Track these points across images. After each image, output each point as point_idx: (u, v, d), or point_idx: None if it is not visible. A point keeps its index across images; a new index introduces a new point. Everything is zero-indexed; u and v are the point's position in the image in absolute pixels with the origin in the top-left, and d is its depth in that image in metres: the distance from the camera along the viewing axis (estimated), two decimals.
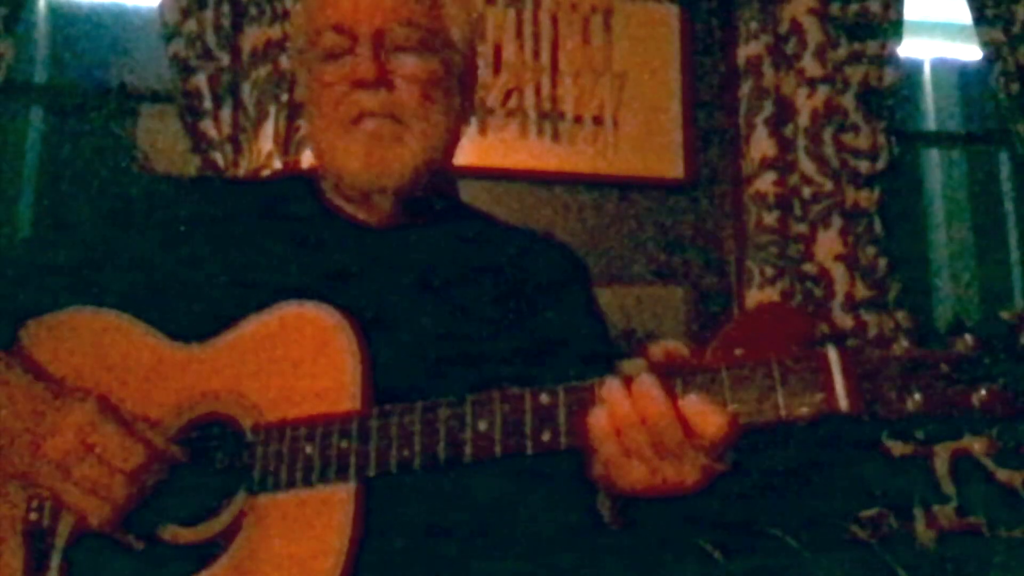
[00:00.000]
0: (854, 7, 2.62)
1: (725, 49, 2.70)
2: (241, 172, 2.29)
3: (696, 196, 2.65)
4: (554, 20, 2.62)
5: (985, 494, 2.14)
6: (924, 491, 2.17)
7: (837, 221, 2.54)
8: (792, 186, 2.58)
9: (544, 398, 0.92)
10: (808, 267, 2.53)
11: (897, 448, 2.23)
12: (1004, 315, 0.80)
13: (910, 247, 2.81)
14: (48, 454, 0.99)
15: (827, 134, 2.56)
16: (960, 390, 0.81)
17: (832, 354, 0.85)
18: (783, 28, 2.62)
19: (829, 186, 2.55)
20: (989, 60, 2.69)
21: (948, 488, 2.17)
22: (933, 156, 3.10)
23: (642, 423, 0.87)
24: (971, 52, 2.88)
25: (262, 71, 2.33)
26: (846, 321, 2.48)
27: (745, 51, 2.64)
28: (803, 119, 2.58)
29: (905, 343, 0.83)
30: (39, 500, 1.05)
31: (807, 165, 2.56)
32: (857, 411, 0.83)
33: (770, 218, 2.55)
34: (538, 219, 2.49)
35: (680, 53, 2.67)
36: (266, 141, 2.32)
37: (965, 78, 3.09)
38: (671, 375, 0.89)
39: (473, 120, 2.50)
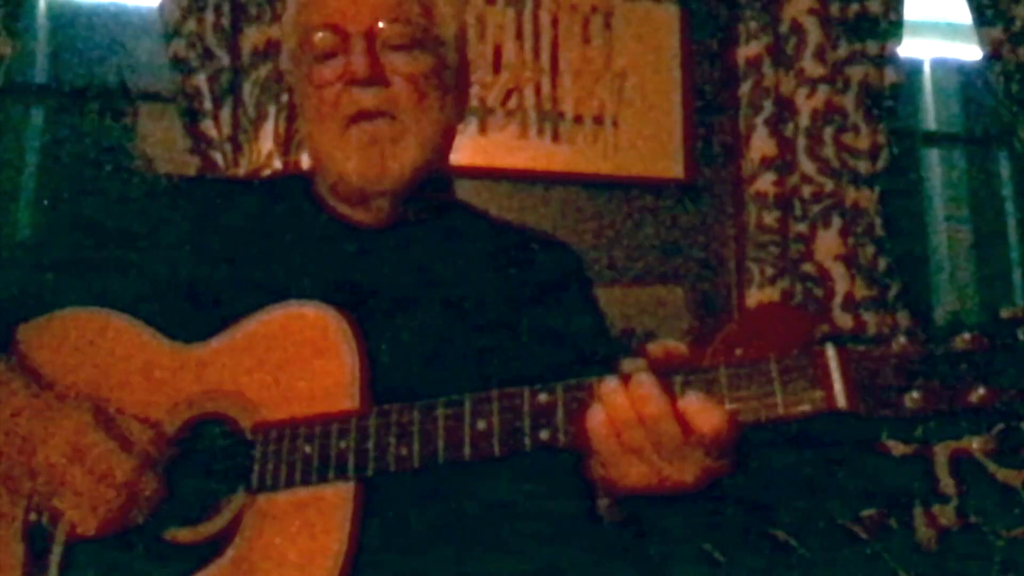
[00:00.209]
0: (854, 7, 2.62)
1: (725, 49, 2.70)
2: (241, 172, 2.29)
3: (696, 196, 2.65)
4: (554, 20, 2.62)
5: (985, 494, 2.14)
6: (924, 491, 2.17)
7: (837, 221, 2.53)
8: (792, 186, 2.58)
9: (543, 397, 0.92)
10: (808, 267, 2.53)
11: (897, 448, 2.22)
12: (1003, 313, 0.80)
13: (910, 247, 2.81)
14: (40, 462, 0.99)
15: (827, 134, 2.56)
16: (959, 388, 0.81)
17: (830, 352, 0.85)
18: (783, 28, 2.62)
19: (829, 186, 2.55)
20: (989, 60, 2.68)
21: (948, 488, 2.17)
22: (933, 156, 3.09)
23: (640, 421, 0.87)
24: (971, 52, 2.88)
25: (262, 71, 2.33)
26: (846, 321, 2.48)
27: (745, 51, 2.63)
28: (803, 119, 2.58)
29: (903, 341, 0.83)
30: (37, 503, 1.05)
31: (807, 165, 2.56)
32: (855, 409, 0.83)
33: (770, 218, 2.55)
34: (538, 219, 2.48)
35: (680, 53, 2.67)
36: (266, 141, 2.32)
37: (965, 78, 3.09)
38: (670, 374, 0.89)
39: (473, 120, 2.50)
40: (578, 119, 2.59)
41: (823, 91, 2.57)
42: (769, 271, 2.53)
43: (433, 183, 1.17)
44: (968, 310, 2.94)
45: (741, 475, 0.92)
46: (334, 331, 1.01)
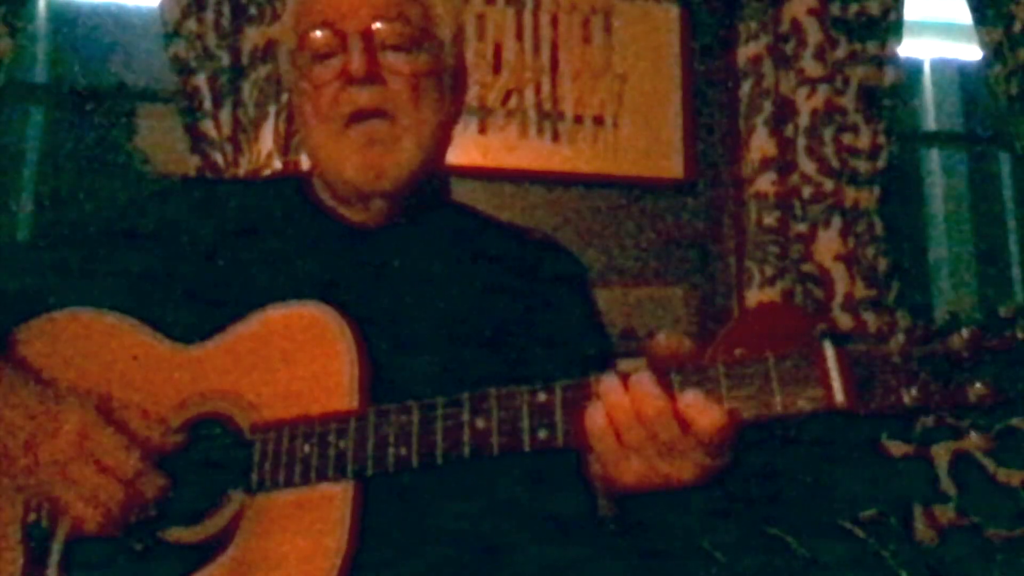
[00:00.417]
0: (854, 7, 2.62)
1: (725, 49, 2.70)
2: (241, 172, 2.29)
3: (696, 196, 2.65)
4: (554, 20, 2.62)
5: (985, 494, 2.14)
6: (924, 491, 2.17)
7: (837, 221, 2.53)
8: (792, 186, 2.58)
9: (541, 396, 0.92)
10: (808, 267, 2.53)
11: (897, 448, 2.22)
12: (1001, 311, 0.81)
13: (910, 247, 2.81)
14: (45, 458, 0.99)
15: (827, 134, 2.56)
16: (957, 385, 0.81)
17: (828, 350, 0.85)
18: (783, 28, 2.62)
19: (829, 186, 2.55)
20: (989, 60, 2.68)
21: (948, 488, 2.17)
22: (933, 156, 3.09)
23: (640, 420, 0.87)
24: (971, 52, 2.88)
25: (262, 71, 2.33)
26: (846, 321, 2.48)
27: (745, 51, 2.63)
28: (803, 119, 2.58)
29: (902, 338, 0.83)
30: (38, 500, 1.05)
31: (807, 165, 2.56)
32: (854, 406, 0.83)
33: (770, 218, 2.55)
34: (538, 219, 2.48)
35: (680, 53, 2.67)
36: (266, 141, 2.32)
37: (965, 78, 3.09)
38: (668, 372, 0.89)
39: (473, 120, 2.50)
40: (578, 119, 2.59)
41: (823, 91, 2.57)
42: (769, 271, 2.52)
43: (430, 183, 1.17)
44: (968, 310, 2.93)
45: (737, 472, 0.92)
46: (333, 331, 1.01)
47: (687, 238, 2.63)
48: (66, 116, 2.56)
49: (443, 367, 1.05)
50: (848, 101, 2.59)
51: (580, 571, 1.05)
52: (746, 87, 2.62)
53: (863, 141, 2.57)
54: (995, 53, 2.66)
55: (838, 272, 2.51)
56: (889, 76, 2.61)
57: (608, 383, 0.89)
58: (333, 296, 1.03)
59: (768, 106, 2.59)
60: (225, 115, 2.31)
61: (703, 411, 0.86)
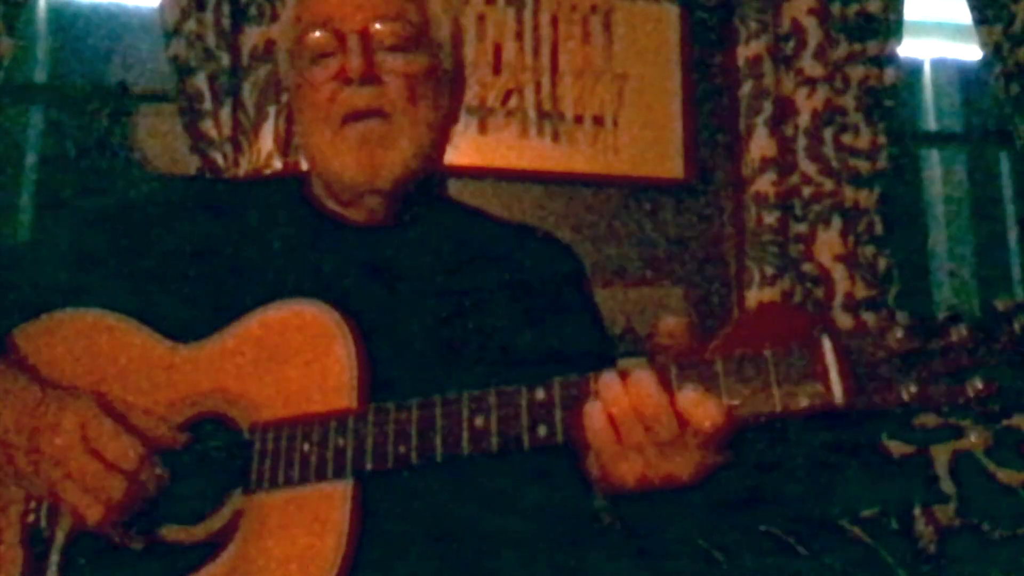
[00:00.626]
0: (854, 7, 2.62)
1: (725, 49, 2.70)
2: (241, 172, 2.29)
3: (696, 196, 2.65)
4: (554, 20, 2.62)
5: (985, 494, 2.14)
6: (924, 491, 2.17)
7: (837, 221, 2.54)
8: (792, 186, 2.58)
9: (540, 393, 0.92)
10: (808, 267, 2.53)
11: (897, 448, 2.22)
12: (999, 305, 0.80)
13: (910, 247, 2.81)
14: (46, 451, 0.99)
15: (827, 134, 2.56)
16: (955, 380, 0.81)
17: (826, 345, 0.85)
18: (783, 28, 2.62)
19: (829, 186, 2.55)
20: (989, 60, 2.68)
21: (948, 488, 2.17)
22: (933, 156, 3.10)
23: (638, 417, 0.87)
24: (971, 52, 2.88)
25: (262, 71, 2.33)
26: (846, 321, 2.48)
27: (745, 51, 2.64)
28: (803, 119, 2.58)
29: (900, 333, 0.83)
30: (37, 501, 1.05)
31: (807, 165, 2.56)
32: (852, 401, 0.83)
33: (770, 218, 2.55)
34: (538, 219, 2.48)
35: (680, 53, 2.67)
36: (266, 141, 2.32)
37: (965, 78, 3.09)
38: (667, 368, 0.89)
39: (473, 120, 2.50)
40: (578, 119, 2.59)
41: (823, 91, 2.57)
42: (769, 271, 2.53)
43: (427, 182, 1.17)
44: (968, 310, 2.93)
45: (734, 468, 0.92)
46: (331, 330, 1.01)
47: (687, 238, 2.63)
48: (66, 116, 2.57)
49: (442, 365, 1.05)
50: (848, 101, 2.59)
51: (580, 571, 1.05)
52: (746, 87, 2.62)
53: (863, 141, 2.57)
54: (995, 53, 2.66)
55: (838, 272, 2.51)
56: (889, 76, 2.61)
57: (607, 380, 0.89)
58: (332, 295, 1.03)
59: (768, 106, 2.59)
60: (225, 115, 2.31)
61: (702, 408, 0.86)
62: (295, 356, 1.01)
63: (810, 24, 2.59)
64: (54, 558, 1.03)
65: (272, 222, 1.18)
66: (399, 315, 1.09)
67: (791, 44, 2.61)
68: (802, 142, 2.57)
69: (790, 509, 2.04)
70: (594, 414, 0.89)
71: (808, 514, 2.06)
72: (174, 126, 2.35)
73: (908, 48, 2.74)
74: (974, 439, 2.11)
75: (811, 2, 2.60)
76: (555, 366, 0.95)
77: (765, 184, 2.57)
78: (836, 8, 2.62)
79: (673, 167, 2.63)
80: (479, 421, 0.93)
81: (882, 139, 2.58)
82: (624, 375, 0.89)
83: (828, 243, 2.53)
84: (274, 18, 2.32)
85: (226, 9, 2.35)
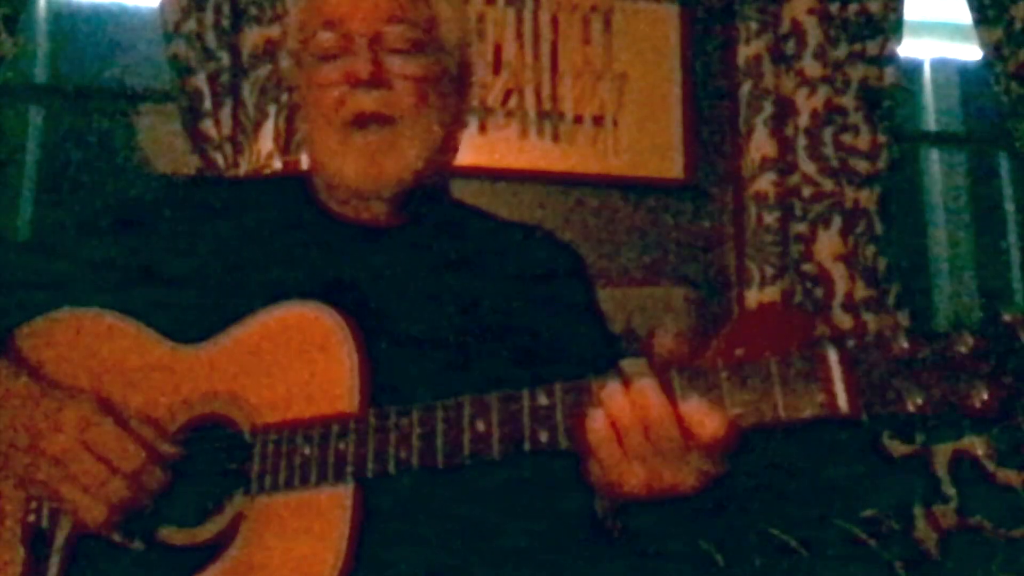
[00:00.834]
0: (854, 7, 2.62)
1: (725, 49, 2.70)
2: (241, 172, 2.29)
3: (696, 196, 2.65)
4: (554, 20, 2.61)
5: (985, 494, 2.14)
6: (924, 491, 2.17)
7: (837, 221, 2.53)
8: (792, 186, 2.57)
9: (542, 399, 0.92)
10: (808, 267, 2.53)
11: (897, 448, 2.23)
12: (1006, 316, 0.80)
13: (910, 247, 2.81)
14: (46, 451, 0.99)
15: (827, 134, 2.56)
16: (961, 390, 0.81)
17: (831, 355, 0.85)
18: (783, 28, 2.62)
19: (829, 186, 2.54)
20: (989, 60, 2.68)
21: (948, 488, 2.17)
22: (933, 156, 3.09)
23: (641, 426, 0.87)
24: (971, 52, 2.88)
25: (262, 71, 2.33)
26: (846, 321, 2.47)
27: (745, 51, 2.63)
28: (803, 119, 2.57)
29: (906, 343, 0.83)
30: (38, 501, 1.05)
31: (807, 165, 2.56)
32: (857, 411, 0.83)
33: (770, 218, 2.55)
34: (538, 219, 2.48)
35: (680, 53, 2.67)
36: (266, 141, 2.32)
37: (965, 78, 3.09)
38: (670, 375, 0.89)
39: (473, 120, 2.49)
40: (578, 119, 2.58)
41: (823, 91, 2.56)
42: (769, 271, 2.52)
43: (431, 183, 1.17)
44: (968, 310, 2.93)
45: (735, 475, 0.92)
46: (333, 332, 1.01)
47: (687, 238, 2.63)
48: (66, 116, 2.56)
49: (444, 367, 1.05)
50: (848, 101, 2.58)
51: (581, 573, 1.05)
52: (746, 87, 2.62)
53: (863, 141, 2.57)
54: (995, 53, 2.66)
55: (838, 272, 2.51)
56: (889, 76, 2.60)
57: (611, 388, 0.89)
58: (333, 296, 1.03)
59: (768, 106, 2.58)
60: (225, 115, 2.31)
61: (706, 418, 0.86)
62: (297, 359, 1.01)
63: (810, 24, 2.59)
64: (54, 559, 1.02)
65: (274, 222, 1.17)
66: (401, 316, 1.09)
67: (791, 44, 2.60)
68: (802, 142, 2.57)
69: (790, 509, 2.04)
70: (597, 423, 0.89)
71: (808, 514, 2.06)
72: (174, 126, 2.35)
73: (908, 48, 2.73)
74: (975, 441, 2.11)
75: (811, 2, 2.59)
76: (559, 365, 0.95)
77: (765, 184, 2.56)
78: (836, 8, 2.62)
79: (673, 167, 2.62)
80: (480, 426, 0.93)
81: (882, 139, 2.58)
82: (627, 383, 0.88)
83: (828, 243, 2.52)
84: (274, 18, 2.31)
85: (226, 9, 2.34)
